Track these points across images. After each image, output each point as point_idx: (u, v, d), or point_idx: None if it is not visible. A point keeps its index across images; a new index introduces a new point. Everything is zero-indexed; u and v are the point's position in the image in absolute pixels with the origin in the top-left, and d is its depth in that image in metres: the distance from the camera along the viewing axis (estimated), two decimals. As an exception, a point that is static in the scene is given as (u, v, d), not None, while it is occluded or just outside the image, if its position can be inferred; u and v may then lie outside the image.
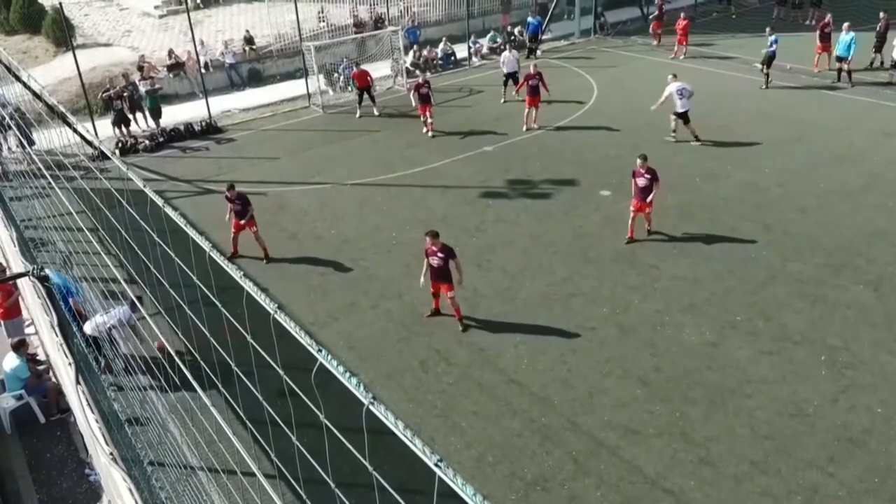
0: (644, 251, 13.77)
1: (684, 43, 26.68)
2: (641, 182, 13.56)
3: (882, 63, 23.33)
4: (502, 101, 22.69)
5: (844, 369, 10.37)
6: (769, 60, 22.41)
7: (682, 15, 27.13)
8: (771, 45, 22.29)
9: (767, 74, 22.63)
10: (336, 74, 25.09)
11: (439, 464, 2.21)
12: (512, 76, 22.33)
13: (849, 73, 22.35)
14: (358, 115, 22.22)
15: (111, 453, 7.10)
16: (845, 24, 22.27)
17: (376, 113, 22.20)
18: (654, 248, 13.87)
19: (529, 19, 28.53)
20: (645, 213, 13.92)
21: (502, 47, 28.41)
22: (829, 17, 23.72)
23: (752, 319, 11.57)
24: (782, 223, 14.45)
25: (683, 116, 18.31)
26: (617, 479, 8.80)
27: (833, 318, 11.52)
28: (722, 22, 32.01)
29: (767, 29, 22.81)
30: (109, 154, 5.68)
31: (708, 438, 9.33)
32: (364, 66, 22.58)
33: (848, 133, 18.85)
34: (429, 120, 20.23)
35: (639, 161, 13.62)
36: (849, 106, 20.86)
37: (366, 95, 22.10)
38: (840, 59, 22.31)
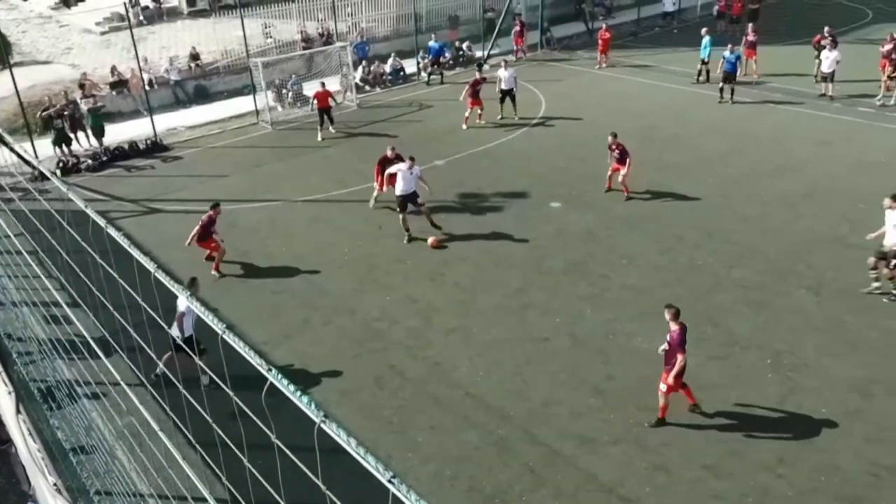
0: (595, 262, 13.97)
1: (606, 53, 28.00)
2: (616, 154, 16.25)
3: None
4: (499, 117, 22.12)
5: (790, 372, 10.67)
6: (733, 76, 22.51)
7: (604, 26, 28.74)
8: (734, 63, 22.36)
9: (724, 90, 22.69)
10: (285, 90, 24.91)
11: (392, 480, 2.19)
12: (509, 93, 21.77)
13: (706, 72, 24.84)
14: (320, 137, 21.58)
15: (55, 484, 6.85)
16: (703, 29, 25.50)
17: (332, 131, 21.80)
18: (605, 259, 14.08)
19: (431, 43, 27.67)
20: (622, 179, 16.23)
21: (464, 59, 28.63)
22: (750, 27, 25.78)
23: (700, 326, 11.81)
24: (726, 231, 14.83)
25: None
26: (574, 488, 8.85)
27: (777, 322, 11.84)
28: (664, 36, 32.85)
29: (729, 46, 22.90)
30: (48, 174, 5.52)
31: (661, 444, 9.47)
32: (327, 87, 21.93)
33: (788, 144, 19.48)
34: (477, 112, 21.55)
35: (609, 137, 16.23)
36: (790, 117, 21.58)
37: (325, 117, 21.63)
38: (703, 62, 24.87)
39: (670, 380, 9.45)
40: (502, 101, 21.99)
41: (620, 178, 16.27)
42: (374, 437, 9.71)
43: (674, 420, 9.85)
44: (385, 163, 15.75)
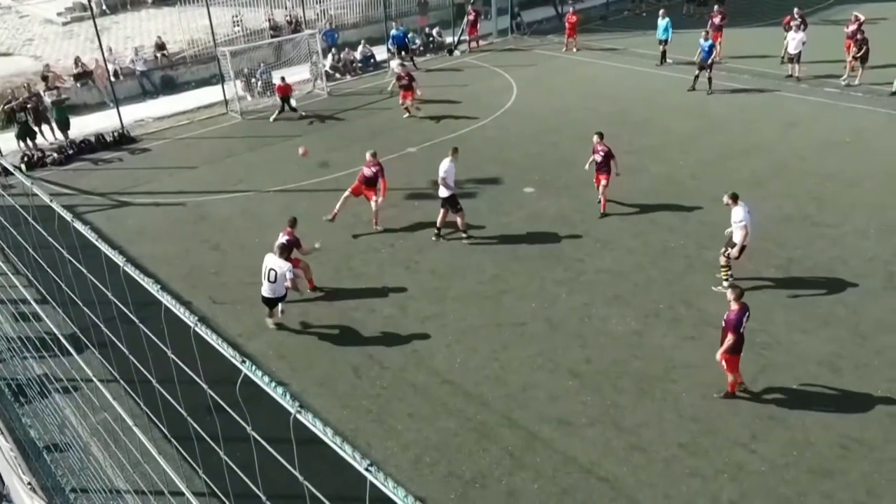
0: (570, 247, 14.04)
1: (573, 37, 27.99)
2: (598, 157, 14.64)
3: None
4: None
5: (762, 350, 10.84)
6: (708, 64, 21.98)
7: (570, 10, 28.61)
8: (709, 50, 21.86)
9: (698, 78, 22.20)
10: (254, 80, 24.61)
11: (370, 468, 2.19)
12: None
13: (663, 53, 25.24)
14: (272, 118, 22.21)
15: (30, 483, 6.76)
16: (661, 11, 25.77)
17: (301, 113, 22.34)
18: (579, 243, 14.16)
19: (393, 31, 26.85)
20: (602, 189, 14.86)
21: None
22: (716, 8, 25.88)
23: (674, 307, 11.96)
24: (697, 213, 14.98)
25: None
26: (553, 470, 8.93)
27: (749, 301, 11.90)
28: (633, 20, 32.98)
29: (703, 33, 22.74)
30: (11, 169, 5.41)
31: (638, 425, 9.58)
32: (288, 81, 22.50)
33: (756, 125, 19.70)
34: (406, 103, 21.58)
35: (595, 138, 14.74)
36: (756, 99, 21.81)
37: (284, 104, 22.25)
38: (661, 42, 25.11)
39: (718, 356, 9.55)
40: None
41: (601, 189, 14.84)
42: (353, 427, 9.72)
43: (648, 400, 9.98)
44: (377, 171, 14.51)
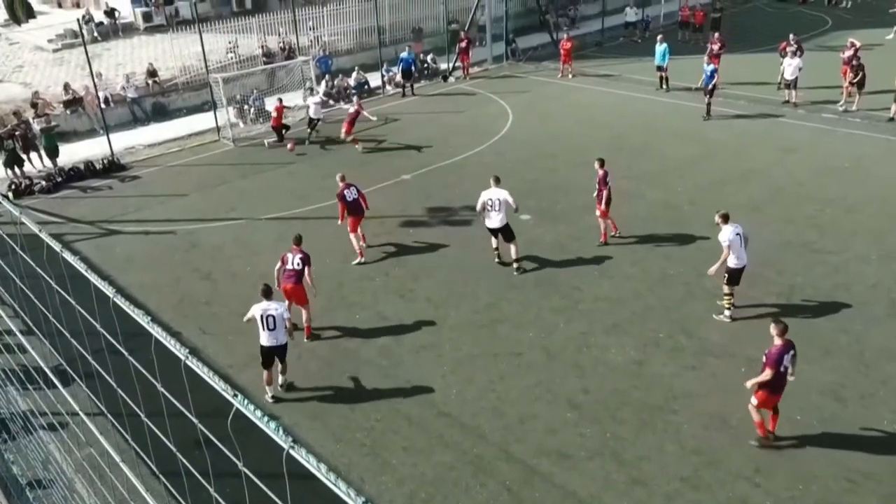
0: (567, 274, 13.88)
1: (569, 63, 28.15)
2: (596, 184, 14.41)
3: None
4: (308, 139, 22.48)
5: (764, 379, 10.63)
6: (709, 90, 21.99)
7: (565, 37, 28.90)
8: (710, 75, 21.89)
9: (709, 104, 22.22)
10: (246, 106, 24.57)
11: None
12: (316, 122, 22.29)
13: (666, 79, 25.40)
14: (267, 144, 22.30)
15: (9, 522, 6.48)
16: (659, 36, 26.00)
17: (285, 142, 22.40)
18: (576, 270, 14.00)
19: (403, 54, 27.06)
20: (599, 214, 14.55)
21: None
22: (716, 35, 26.47)
23: (673, 336, 11.78)
24: (696, 239, 14.86)
25: None
26: (553, 506, 8.67)
27: (749, 329, 11.84)
28: (628, 46, 33.25)
29: (705, 58, 23.30)
30: (-3, 196, 5.23)
31: (639, 457, 9.34)
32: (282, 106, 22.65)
33: (754, 150, 19.72)
34: (348, 137, 21.31)
35: (596, 164, 14.41)
36: (754, 125, 21.86)
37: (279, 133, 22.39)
38: (659, 69, 25.27)
39: (748, 384, 9.23)
40: (310, 125, 22.40)
41: (598, 214, 14.56)
42: (346, 461, 9.45)
43: (649, 431, 9.76)
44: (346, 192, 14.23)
